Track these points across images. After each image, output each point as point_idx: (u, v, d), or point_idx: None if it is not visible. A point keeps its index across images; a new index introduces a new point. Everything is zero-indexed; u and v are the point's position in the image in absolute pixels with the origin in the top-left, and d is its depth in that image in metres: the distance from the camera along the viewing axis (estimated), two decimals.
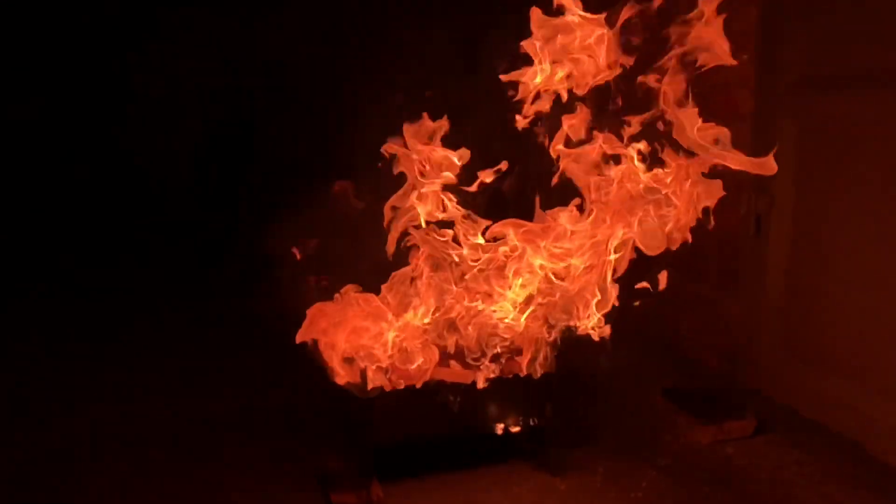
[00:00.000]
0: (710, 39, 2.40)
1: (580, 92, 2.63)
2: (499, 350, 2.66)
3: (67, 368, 3.88)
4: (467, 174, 2.74)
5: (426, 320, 2.69)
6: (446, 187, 2.71)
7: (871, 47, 2.87)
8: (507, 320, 2.68)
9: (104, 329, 4.53)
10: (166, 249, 5.93)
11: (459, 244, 2.70)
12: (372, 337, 2.63)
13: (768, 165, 2.40)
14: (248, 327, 4.30)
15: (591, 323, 2.63)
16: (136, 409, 3.40)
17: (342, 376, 2.53)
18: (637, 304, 2.66)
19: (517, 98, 2.66)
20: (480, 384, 2.59)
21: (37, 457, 2.93)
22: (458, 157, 2.68)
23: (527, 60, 2.62)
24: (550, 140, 2.69)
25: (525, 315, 2.65)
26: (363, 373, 2.53)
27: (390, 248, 2.71)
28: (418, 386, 2.55)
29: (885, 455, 2.76)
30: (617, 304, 2.63)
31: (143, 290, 5.24)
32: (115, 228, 6.09)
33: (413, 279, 2.77)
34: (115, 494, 2.69)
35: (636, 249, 2.59)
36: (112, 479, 2.78)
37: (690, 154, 2.47)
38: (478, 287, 2.66)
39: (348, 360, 2.58)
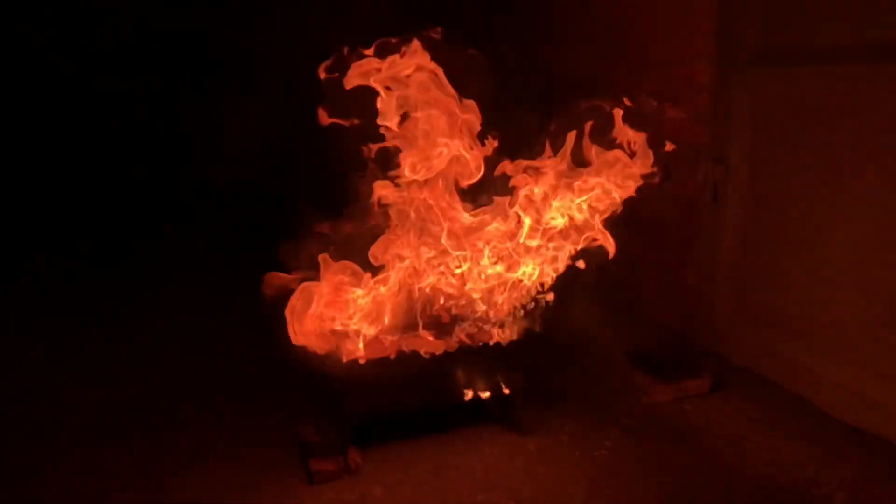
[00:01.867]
0: None
1: None
2: (469, 319, 2.77)
3: (44, 343, 3.93)
4: None
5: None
6: None
7: (821, 25, 2.98)
8: (475, 293, 2.78)
9: (80, 301, 4.57)
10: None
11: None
12: (345, 310, 2.71)
13: None
14: (226, 299, 4.37)
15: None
16: (116, 379, 3.48)
17: (318, 351, 2.61)
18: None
19: None
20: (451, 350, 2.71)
21: (20, 425, 3.02)
22: None
23: None
24: None
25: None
26: (338, 346, 2.62)
27: None
28: (392, 356, 2.65)
29: (829, 408, 2.96)
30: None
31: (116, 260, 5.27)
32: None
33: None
34: (95, 464, 2.77)
35: None
36: (93, 449, 2.86)
37: None
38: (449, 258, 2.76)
39: (323, 334, 2.66)
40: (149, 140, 6.10)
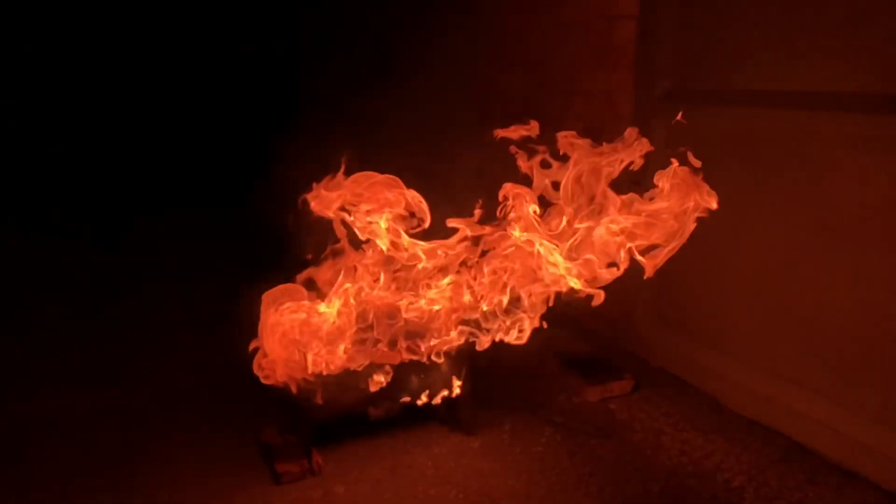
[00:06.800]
0: None
1: None
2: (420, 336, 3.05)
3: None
4: None
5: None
6: None
7: (722, 70, 3.41)
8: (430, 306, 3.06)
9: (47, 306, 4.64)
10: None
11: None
12: (307, 328, 2.94)
13: None
14: (190, 306, 4.52)
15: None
16: (81, 384, 3.61)
17: (283, 371, 2.84)
18: None
19: None
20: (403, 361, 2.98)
21: None
22: None
23: None
24: None
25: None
26: (304, 360, 2.86)
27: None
28: (351, 368, 2.90)
29: (733, 405, 3.39)
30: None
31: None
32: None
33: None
34: (59, 468, 2.90)
35: None
36: (57, 454, 3.00)
37: None
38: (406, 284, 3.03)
39: (288, 351, 2.89)
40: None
